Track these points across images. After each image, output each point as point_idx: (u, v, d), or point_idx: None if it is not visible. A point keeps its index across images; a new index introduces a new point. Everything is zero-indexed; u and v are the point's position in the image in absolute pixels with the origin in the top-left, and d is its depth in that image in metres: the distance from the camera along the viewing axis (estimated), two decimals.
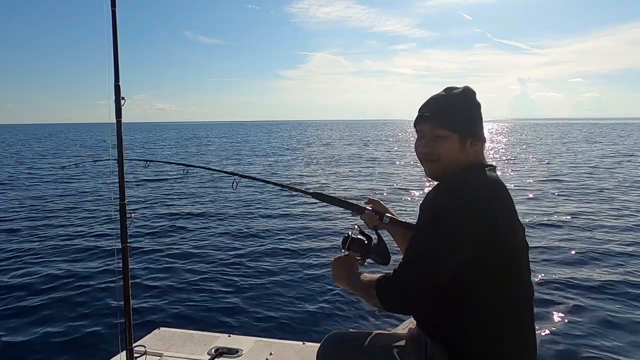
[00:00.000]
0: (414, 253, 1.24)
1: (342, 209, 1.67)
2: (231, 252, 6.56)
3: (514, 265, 1.24)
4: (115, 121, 1.46)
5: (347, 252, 1.53)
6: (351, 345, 1.37)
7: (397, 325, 1.67)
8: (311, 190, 1.74)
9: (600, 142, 36.65)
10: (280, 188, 1.87)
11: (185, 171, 2.07)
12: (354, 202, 1.67)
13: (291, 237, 7.55)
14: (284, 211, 9.90)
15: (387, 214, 1.61)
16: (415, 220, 1.46)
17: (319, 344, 2.22)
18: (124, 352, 1.74)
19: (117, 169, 1.62)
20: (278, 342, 2.25)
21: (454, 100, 1.35)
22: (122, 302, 1.66)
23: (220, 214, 9.76)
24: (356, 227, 1.57)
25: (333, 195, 1.69)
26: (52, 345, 3.65)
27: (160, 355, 2.07)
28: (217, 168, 2.09)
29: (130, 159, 2.12)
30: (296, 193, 1.91)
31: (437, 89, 1.54)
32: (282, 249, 6.77)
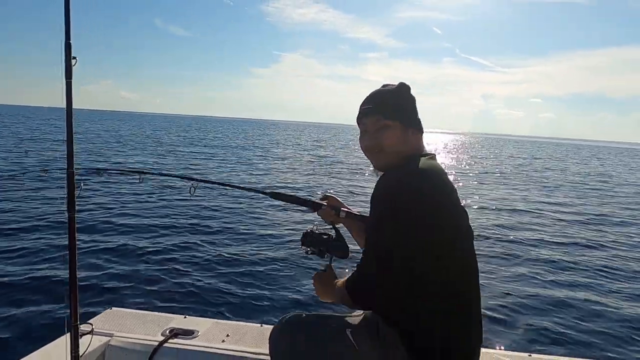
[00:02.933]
0: (367, 245, 1.29)
1: (299, 205, 1.70)
2: (188, 232, 6.43)
3: (451, 249, 1.26)
4: (65, 81, 1.34)
5: (307, 249, 1.59)
6: (304, 327, 1.39)
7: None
8: (268, 191, 1.75)
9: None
10: (240, 190, 1.86)
11: (141, 179, 1.98)
12: (310, 199, 1.70)
13: (249, 219, 7.48)
14: (242, 199, 9.78)
15: (343, 209, 1.65)
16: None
17: None
18: (68, 332, 1.64)
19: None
20: (235, 323, 2.20)
21: (393, 92, 1.43)
22: (68, 278, 1.56)
23: (178, 197, 9.51)
24: (315, 225, 1.63)
25: (291, 194, 1.72)
26: None
27: (111, 335, 1.98)
28: (174, 174, 2.08)
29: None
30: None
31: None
32: (239, 231, 6.70)
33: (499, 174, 19.35)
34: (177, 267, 4.96)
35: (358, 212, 1.67)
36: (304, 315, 1.46)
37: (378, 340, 1.31)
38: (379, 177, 1.37)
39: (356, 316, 1.45)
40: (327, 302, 1.51)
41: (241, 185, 1.92)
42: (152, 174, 2.07)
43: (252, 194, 1.86)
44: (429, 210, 1.21)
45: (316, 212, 1.67)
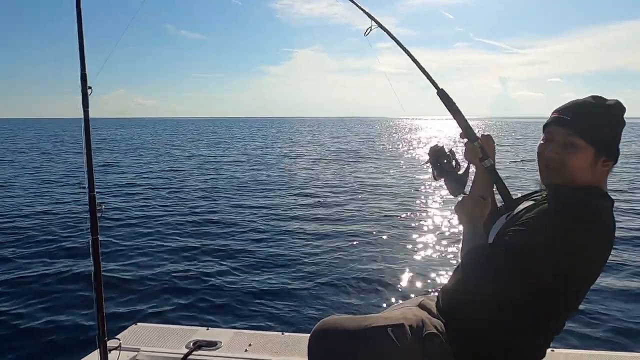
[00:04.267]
0: (526, 246, 1.17)
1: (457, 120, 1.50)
2: (207, 244, 6.51)
3: (576, 303, 1.25)
4: (82, 111, 1.43)
5: (429, 161, 1.48)
6: (345, 329, 1.34)
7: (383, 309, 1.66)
8: (440, 87, 1.54)
9: None
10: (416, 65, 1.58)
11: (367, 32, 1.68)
12: (471, 127, 1.50)
13: (267, 230, 7.54)
14: (260, 203, 9.86)
15: (491, 159, 1.48)
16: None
17: (298, 334, 2.24)
18: (98, 348, 1.71)
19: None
20: (257, 333, 2.25)
21: (601, 110, 1.24)
22: (95, 296, 1.63)
23: (196, 205, 9.65)
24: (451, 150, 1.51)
25: (457, 106, 1.50)
26: (24, 344, 3.56)
27: (137, 350, 2.05)
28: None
29: None
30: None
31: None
32: (258, 241, 6.76)
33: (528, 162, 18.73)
34: (196, 280, 5.04)
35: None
36: (344, 317, 1.41)
37: (420, 339, 1.30)
38: (542, 187, 1.34)
39: (396, 316, 1.42)
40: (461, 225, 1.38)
41: (421, 65, 1.57)
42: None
43: (425, 78, 1.61)
44: (598, 260, 1.18)
45: (466, 142, 1.49)
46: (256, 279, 5.05)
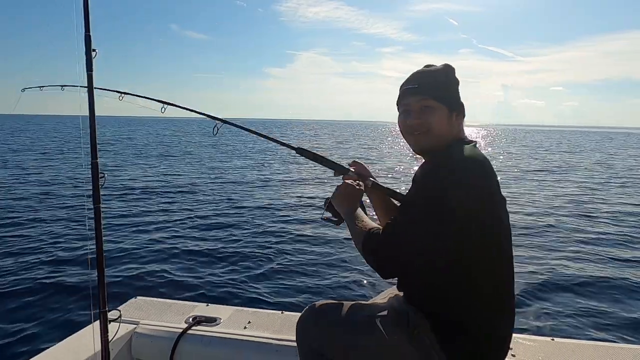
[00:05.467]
0: (403, 222, 1.21)
1: (326, 168, 1.62)
2: (209, 221, 6.52)
3: (499, 240, 1.24)
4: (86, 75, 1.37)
5: (327, 214, 1.49)
6: (333, 316, 1.36)
7: (376, 295, 1.66)
8: (295, 146, 1.66)
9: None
10: (263, 139, 1.77)
11: (164, 109, 1.85)
12: (338, 162, 1.60)
13: (269, 207, 7.54)
14: (262, 182, 9.85)
15: (370, 178, 1.57)
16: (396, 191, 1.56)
17: (297, 314, 2.23)
18: (98, 319, 1.69)
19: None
20: (256, 311, 2.24)
21: (439, 73, 1.36)
22: (96, 267, 1.61)
23: (197, 180, 9.64)
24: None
25: (317, 153, 1.61)
26: (25, 314, 3.58)
27: (137, 323, 2.04)
28: (198, 110, 1.86)
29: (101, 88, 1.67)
30: (280, 146, 1.75)
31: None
32: (260, 218, 6.76)
33: (538, 170, 18.69)
34: (198, 257, 5.06)
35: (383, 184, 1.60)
36: (332, 303, 1.42)
37: (407, 331, 1.30)
38: (420, 161, 1.34)
39: (382, 303, 1.42)
40: (339, 211, 1.43)
41: (267, 135, 1.74)
42: (177, 106, 1.90)
43: (277, 146, 1.70)
44: (480, 204, 1.17)
45: (342, 177, 1.57)
46: (258, 259, 5.06)
